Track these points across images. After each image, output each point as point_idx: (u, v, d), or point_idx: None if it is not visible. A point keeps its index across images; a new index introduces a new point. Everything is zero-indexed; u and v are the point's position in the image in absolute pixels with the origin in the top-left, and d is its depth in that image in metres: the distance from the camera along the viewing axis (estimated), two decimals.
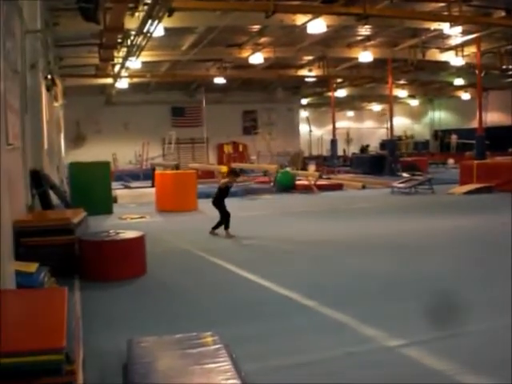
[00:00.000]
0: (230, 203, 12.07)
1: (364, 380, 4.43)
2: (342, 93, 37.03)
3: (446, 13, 18.32)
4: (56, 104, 22.37)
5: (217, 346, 4.63)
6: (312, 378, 4.50)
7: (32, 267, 6.25)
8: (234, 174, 12.71)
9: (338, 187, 22.96)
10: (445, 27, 19.77)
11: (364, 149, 42.96)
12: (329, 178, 25.16)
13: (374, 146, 42.77)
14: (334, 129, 35.21)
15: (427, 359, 4.76)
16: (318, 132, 41.37)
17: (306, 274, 8.23)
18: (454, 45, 25.36)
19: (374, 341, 5.26)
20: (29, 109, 11.13)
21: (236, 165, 19.45)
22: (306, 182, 22.69)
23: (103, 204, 15.61)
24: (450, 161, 36.50)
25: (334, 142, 34.98)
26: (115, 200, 17.95)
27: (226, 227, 11.71)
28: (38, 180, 11.61)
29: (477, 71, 25.57)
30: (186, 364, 4.34)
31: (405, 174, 25.61)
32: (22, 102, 10.17)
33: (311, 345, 5.24)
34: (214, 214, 11.93)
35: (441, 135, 45.14)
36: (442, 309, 5.98)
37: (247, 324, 5.91)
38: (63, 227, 8.58)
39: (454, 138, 42.17)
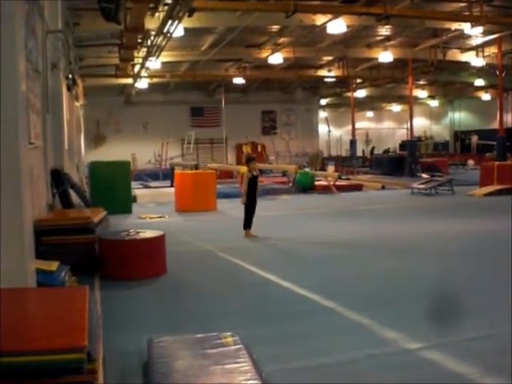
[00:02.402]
0: None
1: (386, 382, 4.39)
2: (361, 93, 36.85)
3: (466, 13, 18.17)
4: (76, 104, 22.51)
5: (237, 347, 4.62)
6: (333, 379, 4.46)
7: (53, 266, 6.28)
8: (248, 160, 11.92)
9: (358, 188, 22.88)
10: (466, 27, 19.60)
11: (374, 151, 42.27)
12: (348, 179, 25.06)
13: (393, 147, 42.55)
14: (354, 129, 35.03)
15: (449, 362, 4.71)
16: (336, 132, 41.23)
17: (325, 275, 8.18)
18: (475, 45, 25.13)
19: (394, 343, 5.22)
20: (50, 108, 11.18)
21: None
22: (325, 183, 22.63)
23: (123, 203, 15.67)
24: (470, 162, 36.22)
25: (353, 143, 34.83)
26: (134, 199, 18.02)
27: (245, 226, 11.51)
28: (58, 179, 11.65)
29: (498, 72, 25.34)
30: (206, 364, 4.33)
31: (424, 175, 25.48)
32: (44, 102, 10.22)
33: (332, 346, 5.20)
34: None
35: (461, 136, 44.80)
36: (462, 311, 5.91)
37: (267, 325, 5.88)
38: (84, 226, 8.61)
39: (474, 138, 41.84)
